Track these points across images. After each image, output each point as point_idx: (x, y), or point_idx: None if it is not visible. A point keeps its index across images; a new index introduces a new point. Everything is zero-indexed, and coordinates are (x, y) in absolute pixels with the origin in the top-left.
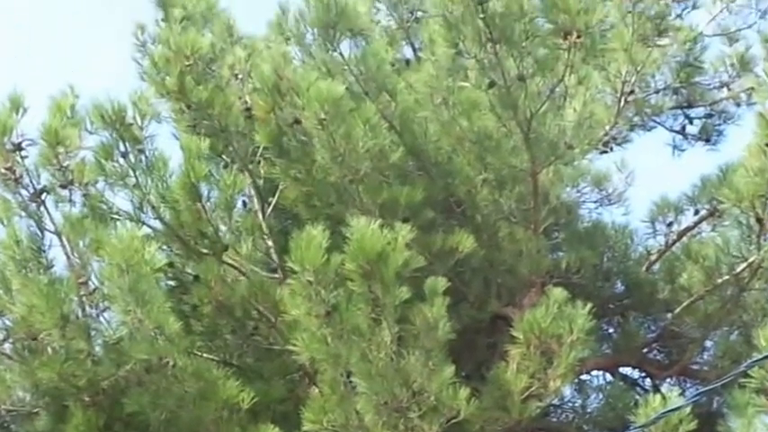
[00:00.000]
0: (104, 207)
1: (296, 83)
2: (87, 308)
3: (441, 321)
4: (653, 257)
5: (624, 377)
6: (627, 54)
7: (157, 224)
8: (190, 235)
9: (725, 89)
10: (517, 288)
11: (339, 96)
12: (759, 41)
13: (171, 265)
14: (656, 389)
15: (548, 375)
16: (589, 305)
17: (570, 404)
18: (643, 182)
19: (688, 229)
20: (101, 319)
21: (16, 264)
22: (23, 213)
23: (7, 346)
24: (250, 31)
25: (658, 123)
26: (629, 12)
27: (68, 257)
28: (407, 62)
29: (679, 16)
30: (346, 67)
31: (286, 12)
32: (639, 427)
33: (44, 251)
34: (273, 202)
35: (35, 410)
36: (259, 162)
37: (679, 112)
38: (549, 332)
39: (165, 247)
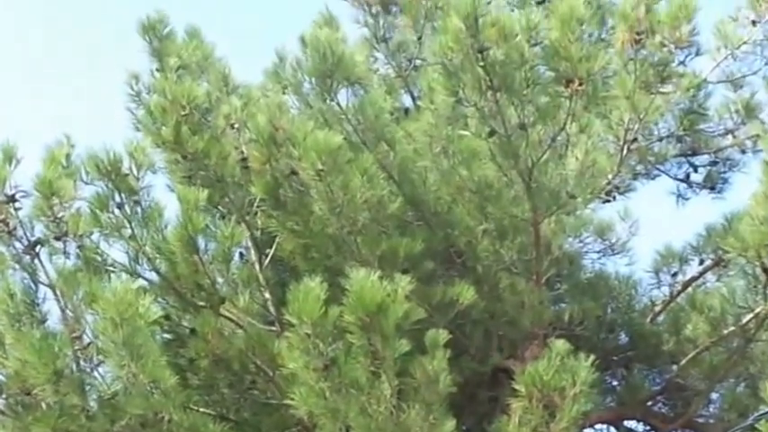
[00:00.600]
0: (99, 259)
1: (292, 133)
2: (81, 362)
3: (441, 374)
4: (657, 308)
5: (629, 431)
6: (629, 101)
7: (153, 276)
8: (186, 287)
9: (730, 136)
10: (519, 340)
11: (336, 146)
12: (764, 88)
13: (167, 317)
14: None
15: (550, 429)
16: (592, 357)
17: None
18: (647, 231)
19: (693, 279)
20: (95, 373)
21: (10, 318)
22: (17, 266)
23: (0, 402)
24: (246, 79)
25: (662, 171)
26: (632, 59)
27: (62, 311)
28: (406, 111)
29: (682, 63)
30: (344, 117)
31: (283, 60)
32: None
33: (38, 304)
34: (271, 253)
35: None
36: (256, 213)
37: (683, 159)
38: (551, 385)
39: (160, 299)
